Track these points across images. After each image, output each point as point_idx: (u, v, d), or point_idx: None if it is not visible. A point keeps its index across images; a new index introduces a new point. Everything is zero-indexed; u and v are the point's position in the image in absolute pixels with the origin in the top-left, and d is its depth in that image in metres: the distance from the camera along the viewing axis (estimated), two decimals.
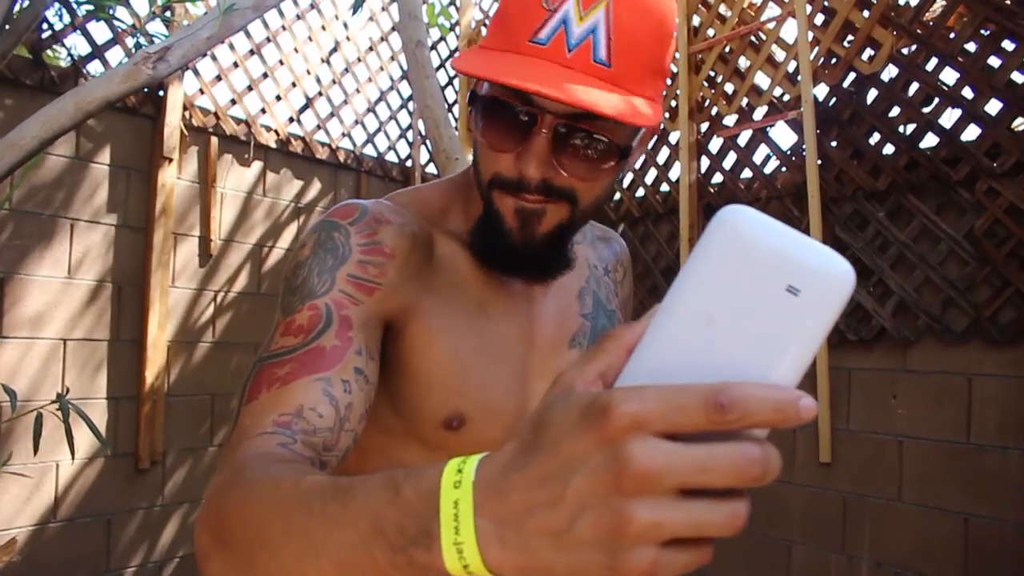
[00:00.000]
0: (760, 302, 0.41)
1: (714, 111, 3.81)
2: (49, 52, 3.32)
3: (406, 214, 0.96)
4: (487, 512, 0.43)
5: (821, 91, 3.40)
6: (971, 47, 2.97)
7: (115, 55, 3.51)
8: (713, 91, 3.80)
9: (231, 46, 3.98)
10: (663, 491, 0.39)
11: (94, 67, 3.41)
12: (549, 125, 0.83)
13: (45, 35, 3.22)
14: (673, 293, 0.43)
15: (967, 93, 2.97)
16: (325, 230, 0.91)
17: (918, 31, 3.09)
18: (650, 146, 4.11)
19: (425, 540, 0.45)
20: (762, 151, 3.64)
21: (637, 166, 4.14)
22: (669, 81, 3.97)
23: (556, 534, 0.41)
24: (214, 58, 3.90)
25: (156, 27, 3.47)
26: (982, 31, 2.94)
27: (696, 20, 3.86)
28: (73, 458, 2.43)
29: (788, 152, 3.51)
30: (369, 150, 4.68)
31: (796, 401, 0.39)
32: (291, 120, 4.26)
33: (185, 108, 3.70)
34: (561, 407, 0.42)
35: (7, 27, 2.04)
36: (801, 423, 0.39)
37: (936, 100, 3.04)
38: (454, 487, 0.44)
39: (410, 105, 4.89)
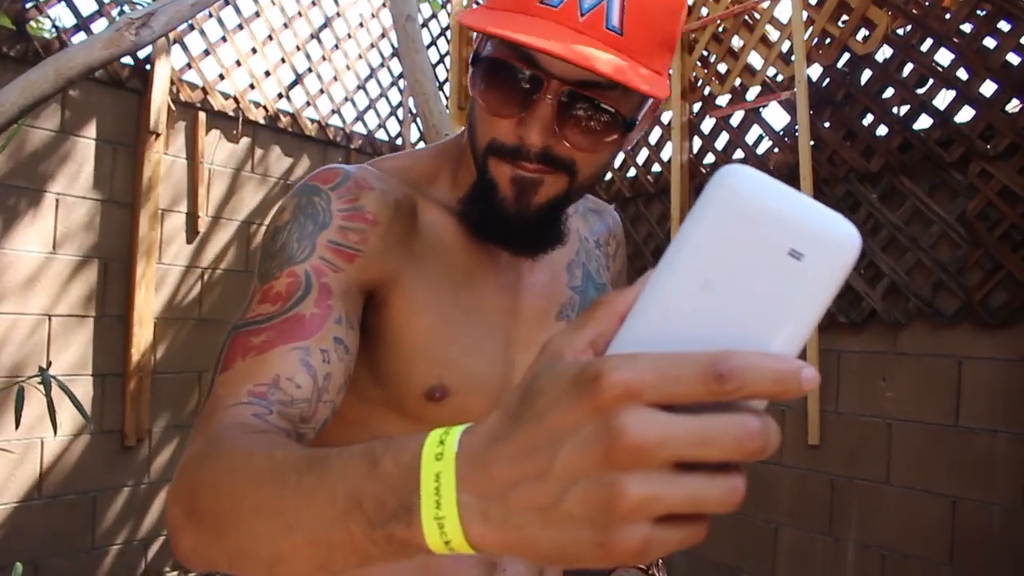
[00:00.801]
0: (760, 267, 0.39)
1: (707, 91, 3.78)
2: (32, 23, 3.27)
3: (390, 180, 0.93)
4: (470, 485, 0.41)
5: (815, 71, 3.38)
6: (967, 28, 2.95)
7: (100, 27, 3.46)
8: (706, 71, 3.77)
9: (220, 21, 3.93)
10: (657, 464, 0.37)
11: (78, 39, 3.36)
12: (555, 91, 0.80)
13: (28, 5, 3.17)
14: (668, 257, 0.41)
15: (962, 74, 2.95)
16: (305, 194, 0.88)
17: (913, 11, 3.07)
18: None
19: (405, 515, 0.43)
20: (755, 131, 3.62)
21: (629, 146, 4.11)
22: None
23: (543, 509, 0.39)
24: (202, 32, 3.86)
25: None
26: (978, 12, 2.91)
27: None
28: (56, 433, 2.41)
29: (781, 133, 3.50)
30: (359, 127, 4.65)
31: (798, 371, 0.37)
32: (280, 96, 4.23)
33: (172, 82, 3.66)
34: (549, 376, 0.40)
35: None
36: (802, 394, 0.37)
37: (930, 81, 3.02)
38: (436, 459, 0.42)
39: (400, 83, 4.86)
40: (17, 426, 2.19)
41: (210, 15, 3.83)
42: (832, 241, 0.38)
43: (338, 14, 4.56)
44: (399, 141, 4.87)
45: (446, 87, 4.89)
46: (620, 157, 4.14)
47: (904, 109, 3.10)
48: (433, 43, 5.00)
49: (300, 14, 4.34)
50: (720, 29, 3.71)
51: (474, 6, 4.77)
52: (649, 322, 0.41)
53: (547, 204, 0.87)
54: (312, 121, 4.36)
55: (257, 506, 0.53)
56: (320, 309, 0.80)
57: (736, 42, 3.67)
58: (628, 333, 0.42)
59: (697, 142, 3.81)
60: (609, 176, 4.18)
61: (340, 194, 0.88)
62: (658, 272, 0.41)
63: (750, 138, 3.63)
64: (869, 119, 3.19)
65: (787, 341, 0.39)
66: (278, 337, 0.78)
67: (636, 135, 0.93)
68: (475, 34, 0.88)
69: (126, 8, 3.27)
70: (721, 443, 0.37)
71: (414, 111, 4.72)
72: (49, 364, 2.28)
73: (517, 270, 1.00)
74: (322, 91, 4.44)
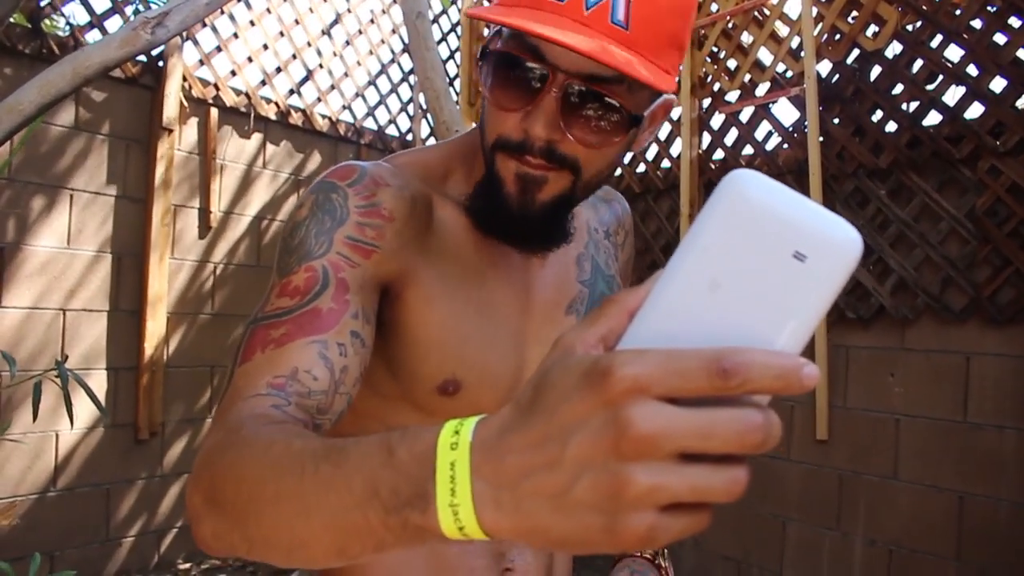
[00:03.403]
0: (765, 268, 0.40)
1: (716, 87, 3.79)
2: (47, 21, 3.30)
3: (405, 177, 0.94)
4: (484, 474, 0.42)
5: (824, 67, 3.38)
6: (977, 24, 2.95)
7: (114, 24, 3.48)
8: (716, 67, 3.77)
9: (231, 17, 3.95)
10: (663, 455, 0.38)
11: (92, 36, 3.39)
12: (560, 84, 0.81)
13: (43, 3, 3.20)
14: (677, 257, 0.42)
15: (972, 70, 2.95)
16: (323, 191, 0.89)
17: (923, 7, 3.07)
18: None
19: (420, 502, 0.44)
20: (764, 127, 3.62)
21: (639, 148, 4.11)
22: None
23: (553, 496, 0.40)
24: (214, 29, 3.88)
25: None
26: (988, 7, 2.91)
27: None
28: (72, 426, 2.44)
29: (790, 129, 3.50)
30: (369, 123, 4.67)
31: (799, 368, 0.38)
32: (291, 92, 4.25)
33: (185, 79, 3.68)
34: (561, 370, 0.42)
35: None
36: (804, 391, 0.38)
37: (940, 77, 3.02)
38: (451, 448, 0.44)
39: (411, 78, 4.87)
40: (35, 419, 2.22)
41: (222, 12, 3.85)
42: (834, 244, 0.40)
43: (349, 10, 4.58)
44: (409, 137, 4.88)
45: (456, 83, 4.90)
46: (630, 153, 4.15)
47: (913, 105, 3.10)
48: (444, 39, 5.01)
49: (311, 10, 4.36)
50: (730, 25, 3.71)
51: (484, 2, 4.78)
52: (657, 319, 0.43)
53: (551, 202, 0.88)
54: (323, 117, 4.38)
55: (277, 494, 0.55)
56: (337, 304, 0.82)
57: (746, 38, 3.67)
58: (637, 329, 0.43)
59: (707, 138, 3.82)
60: (619, 172, 4.18)
61: (357, 191, 0.89)
62: (667, 271, 0.43)
63: (759, 134, 3.63)
64: (878, 115, 3.20)
65: (790, 339, 0.40)
66: (296, 330, 0.79)
67: (646, 137, 0.94)
68: (487, 31, 0.88)
69: (140, 7, 3.30)
70: (724, 436, 0.38)
71: (424, 107, 4.73)
72: (66, 358, 2.31)
73: (528, 265, 1.01)
74: (333, 87, 4.46)
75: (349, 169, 0.91)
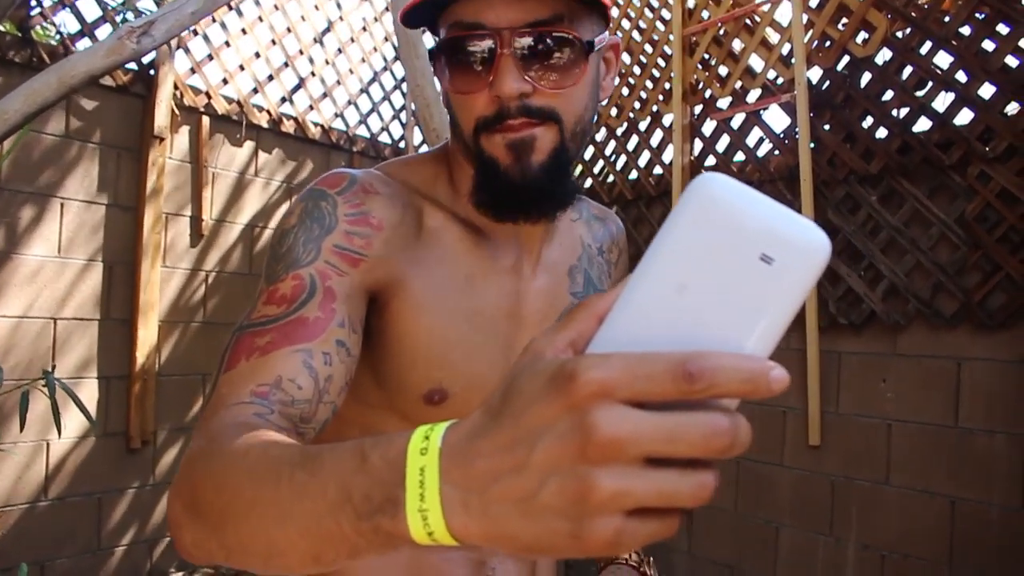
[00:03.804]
0: (733, 270, 0.40)
1: (708, 94, 3.80)
2: (38, 29, 3.29)
3: (395, 185, 0.94)
4: (453, 479, 0.42)
5: (815, 74, 3.39)
6: (965, 31, 2.96)
7: (105, 33, 3.48)
8: (707, 73, 3.78)
9: (223, 25, 3.95)
10: (629, 459, 0.38)
11: (83, 44, 3.39)
12: (508, 42, 0.83)
13: (33, 12, 3.20)
14: (646, 260, 0.42)
15: (961, 77, 2.95)
16: (312, 199, 0.89)
17: (912, 14, 3.08)
18: (643, 128, 4.10)
19: (391, 508, 0.44)
20: (755, 134, 3.62)
21: (631, 148, 4.12)
22: (663, 63, 3.97)
23: (520, 501, 0.40)
24: (206, 38, 3.88)
25: (146, 4, 3.45)
26: (977, 15, 2.92)
27: (691, 2, 3.84)
28: (60, 435, 2.43)
29: (781, 135, 3.51)
30: (362, 131, 4.67)
31: (767, 372, 0.38)
32: (283, 100, 4.24)
33: (176, 87, 3.68)
34: (529, 374, 0.41)
35: None
36: (772, 395, 0.38)
37: (930, 84, 3.03)
38: (420, 454, 0.43)
39: (404, 86, 4.87)
40: (22, 429, 2.21)
41: (213, 20, 3.85)
42: (801, 247, 0.40)
43: (341, 18, 4.58)
44: (402, 144, 4.89)
45: None
46: (622, 160, 4.16)
47: (903, 111, 3.11)
48: (436, 46, 5.02)
49: (303, 18, 4.37)
50: (721, 32, 3.72)
51: None
52: (627, 323, 0.42)
53: (548, 160, 0.88)
54: (315, 125, 4.38)
55: (253, 501, 0.55)
56: (323, 312, 0.82)
57: (737, 45, 3.68)
58: (606, 334, 0.43)
59: (698, 144, 3.82)
60: (611, 178, 4.19)
61: (346, 199, 0.89)
62: (636, 275, 0.43)
63: (751, 140, 3.64)
64: (869, 121, 3.20)
65: (759, 341, 0.40)
66: (282, 339, 0.79)
67: (610, 83, 0.96)
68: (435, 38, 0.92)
69: (128, 15, 3.30)
70: (690, 440, 0.38)
71: (416, 114, 4.74)
72: (54, 367, 2.30)
73: (518, 275, 1.00)
74: (325, 95, 4.46)
75: (339, 177, 0.91)
